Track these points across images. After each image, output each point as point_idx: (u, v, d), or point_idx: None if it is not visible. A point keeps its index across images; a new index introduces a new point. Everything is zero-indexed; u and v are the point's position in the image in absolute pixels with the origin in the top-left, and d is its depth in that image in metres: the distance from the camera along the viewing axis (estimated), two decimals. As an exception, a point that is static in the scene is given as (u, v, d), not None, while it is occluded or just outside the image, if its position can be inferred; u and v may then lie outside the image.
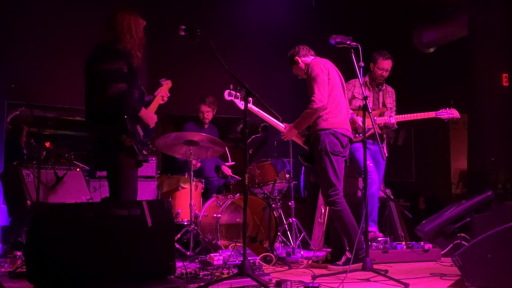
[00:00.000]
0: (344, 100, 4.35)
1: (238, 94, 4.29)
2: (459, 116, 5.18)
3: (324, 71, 4.23)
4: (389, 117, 5.14)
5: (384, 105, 5.30)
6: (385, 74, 5.23)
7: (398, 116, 5.16)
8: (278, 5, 7.65)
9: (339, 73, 4.43)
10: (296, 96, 6.96)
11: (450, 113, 5.13)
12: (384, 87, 5.35)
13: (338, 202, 4.16)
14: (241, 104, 4.30)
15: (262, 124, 6.16)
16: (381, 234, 5.02)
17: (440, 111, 5.14)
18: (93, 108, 3.58)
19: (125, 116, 3.52)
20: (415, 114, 5.13)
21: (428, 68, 8.05)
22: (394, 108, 5.37)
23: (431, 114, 5.14)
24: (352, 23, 7.12)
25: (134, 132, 3.56)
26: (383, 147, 5.15)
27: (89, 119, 3.61)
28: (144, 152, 3.63)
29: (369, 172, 4.92)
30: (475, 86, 6.95)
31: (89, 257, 3.00)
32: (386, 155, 4.96)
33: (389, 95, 5.38)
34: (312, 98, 4.16)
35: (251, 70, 6.96)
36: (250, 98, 4.21)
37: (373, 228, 5.04)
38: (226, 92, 4.30)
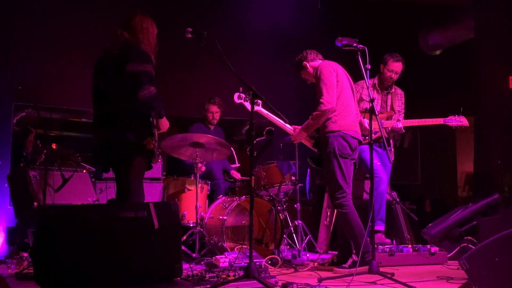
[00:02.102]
0: (353, 103, 4.34)
1: (247, 97, 4.30)
2: (468, 124, 5.13)
3: (332, 74, 4.23)
4: (396, 121, 5.12)
5: (392, 108, 5.28)
6: (394, 76, 5.20)
7: (405, 121, 5.13)
8: (283, 7, 7.64)
9: (348, 75, 4.42)
10: (301, 99, 6.96)
11: (458, 121, 5.09)
12: (393, 90, 5.32)
13: (345, 204, 4.15)
14: (250, 107, 4.32)
15: (267, 128, 6.17)
16: (388, 240, 5.00)
17: (449, 118, 5.10)
18: (115, 108, 3.50)
19: (151, 119, 3.52)
20: (423, 119, 5.09)
21: (434, 70, 8.04)
22: (403, 111, 5.33)
23: (440, 121, 5.10)
24: (358, 25, 7.11)
25: (155, 135, 3.58)
26: (390, 150, 5.14)
27: (107, 118, 3.53)
28: (160, 156, 3.64)
29: (376, 171, 4.90)
30: (481, 89, 6.93)
31: (96, 259, 3.01)
32: (393, 158, 4.96)
33: (398, 98, 5.34)
34: (321, 100, 4.16)
35: (256, 73, 6.96)
36: (260, 101, 4.24)
37: (380, 227, 5.03)
38: (236, 95, 4.31)
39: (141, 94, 3.41)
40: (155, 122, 3.65)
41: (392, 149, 5.31)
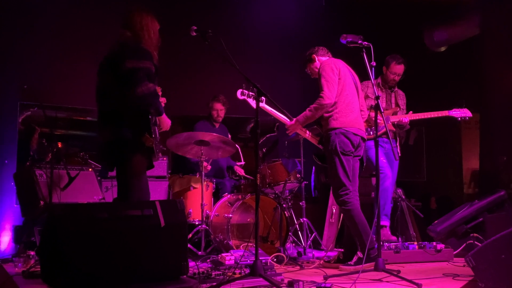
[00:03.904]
0: (356, 100, 4.36)
1: (250, 93, 4.31)
2: (472, 115, 5.19)
3: (334, 70, 4.26)
4: (402, 116, 5.15)
5: (397, 105, 5.32)
6: (397, 78, 5.28)
7: (411, 115, 5.16)
8: (287, 4, 7.63)
9: (353, 73, 4.44)
10: (305, 98, 6.93)
11: (463, 113, 5.15)
12: (395, 89, 5.40)
13: (348, 201, 4.16)
14: (254, 103, 4.31)
15: (277, 124, 6.19)
16: (394, 238, 5.01)
17: (453, 110, 5.16)
18: (115, 106, 3.49)
19: (150, 116, 3.51)
20: (428, 113, 5.14)
21: (440, 67, 8.00)
22: (405, 111, 5.39)
23: (444, 113, 5.15)
24: (363, 22, 7.09)
25: (154, 133, 3.56)
26: (395, 147, 5.15)
27: (108, 117, 3.52)
28: (160, 154, 3.63)
29: (381, 168, 4.92)
30: (487, 85, 6.92)
31: (102, 257, 3.01)
32: (399, 154, 4.97)
33: (400, 98, 5.43)
34: (321, 94, 4.22)
35: (261, 71, 6.95)
36: (263, 98, 4.25)
37: (385, 222, 5.05)
38: (239, 92, 4.32)
39: (138, 90, 3.37)
40: (154, 119, 3.65)
41: (398, 146, 5.34)
